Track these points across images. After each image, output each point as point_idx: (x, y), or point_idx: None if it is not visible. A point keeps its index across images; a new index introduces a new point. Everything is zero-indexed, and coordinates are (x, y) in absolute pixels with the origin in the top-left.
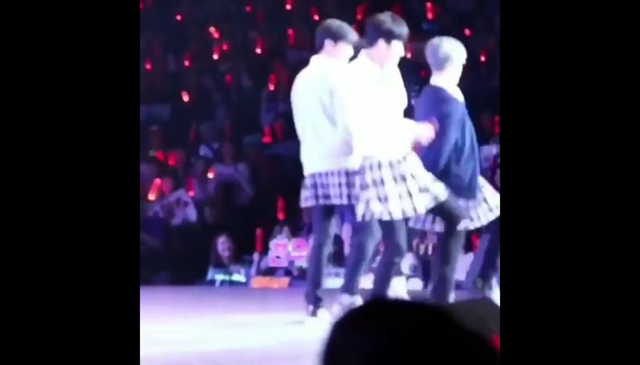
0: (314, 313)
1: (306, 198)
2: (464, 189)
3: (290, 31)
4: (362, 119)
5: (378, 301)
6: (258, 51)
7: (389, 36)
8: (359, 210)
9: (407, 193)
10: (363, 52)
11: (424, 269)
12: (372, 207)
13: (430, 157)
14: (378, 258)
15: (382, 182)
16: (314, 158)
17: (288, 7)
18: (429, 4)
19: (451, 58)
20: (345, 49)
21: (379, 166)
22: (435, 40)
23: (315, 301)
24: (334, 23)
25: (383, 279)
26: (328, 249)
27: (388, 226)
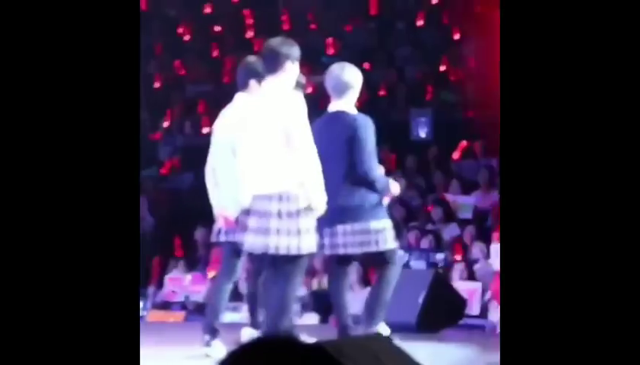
0: (208, 344)
1: (218, 233)
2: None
3: (189, 64)
4: (261, 152)
5: (266, 339)
6: (156, 84)
7: (287, 58)
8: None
9: (300, 230)
10: (268, 80)
11: (319, 303)
12: (279, 239)
13: (350, 166)
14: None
15: (290, 215)
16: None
17: (186, 37)
18: (329, 40)
19: (352, 85)
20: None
21: (284, 198)
22: (336, 68)
23: (212, 332)
24: (257, 62)
25: (282, 314)
26: (232, 285)
27: (293, 261)
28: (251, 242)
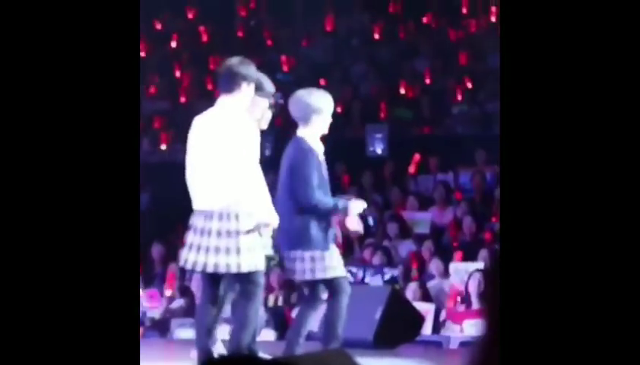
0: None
1: None
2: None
3: (145, 81)
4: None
5: (227, 357)
6: None
7: (244, 79)
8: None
9: (240, 249)
10: (223, 98)
11: (275, 319)
12: (218, 257)
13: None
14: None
15: (229, 233)
16: None
17: (142, 54)
18: (283, 57)
19: (319, 110)
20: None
21: (225, 216)
22: (301, 94)
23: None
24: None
25: (243, 331)
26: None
27: (250, 279)
28: (189, 259)
